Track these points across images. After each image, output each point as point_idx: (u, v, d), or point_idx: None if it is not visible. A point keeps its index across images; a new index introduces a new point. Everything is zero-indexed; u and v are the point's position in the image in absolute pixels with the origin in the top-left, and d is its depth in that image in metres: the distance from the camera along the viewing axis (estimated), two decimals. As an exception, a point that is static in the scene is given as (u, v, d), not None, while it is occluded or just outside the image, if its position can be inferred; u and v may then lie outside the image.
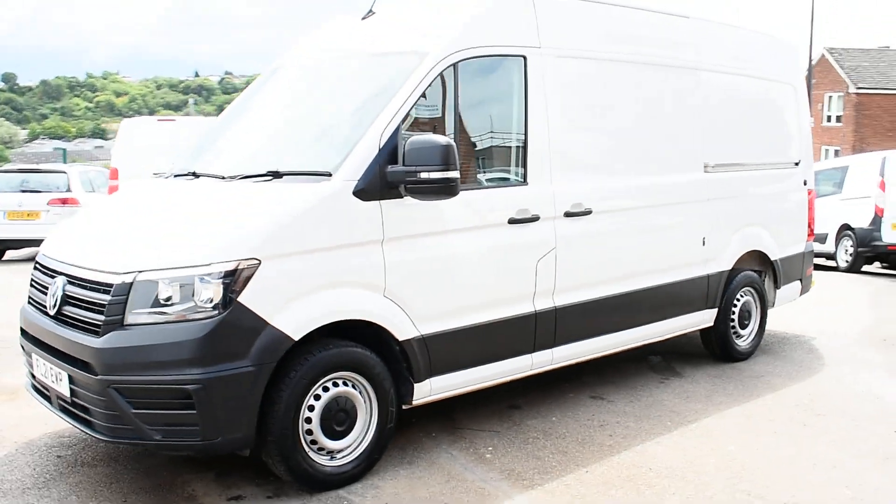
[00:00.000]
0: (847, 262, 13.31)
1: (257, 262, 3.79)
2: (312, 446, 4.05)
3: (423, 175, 4.10)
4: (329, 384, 4.08)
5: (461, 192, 4.25)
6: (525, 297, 4.88)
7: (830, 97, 39.25)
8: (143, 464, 4.51)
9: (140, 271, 3.79)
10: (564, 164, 5.06)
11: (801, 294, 7.40)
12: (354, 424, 4.19)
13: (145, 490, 4.17)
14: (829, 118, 39.46)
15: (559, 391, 5.72)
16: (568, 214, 5.05)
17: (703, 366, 6.50)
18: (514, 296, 4.83)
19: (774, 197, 6.94)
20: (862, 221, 12.88)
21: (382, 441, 4.30)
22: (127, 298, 3.77)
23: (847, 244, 13.33)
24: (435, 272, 4.43)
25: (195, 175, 4.77)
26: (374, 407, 4.25)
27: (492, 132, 4.92)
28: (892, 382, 6.19)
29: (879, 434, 4.96)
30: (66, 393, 4.02)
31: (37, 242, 13.83)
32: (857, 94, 37.76)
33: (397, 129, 4.24)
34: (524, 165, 4.88)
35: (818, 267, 10.98)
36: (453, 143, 4.13)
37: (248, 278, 3.77)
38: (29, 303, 4.63)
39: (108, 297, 3.81)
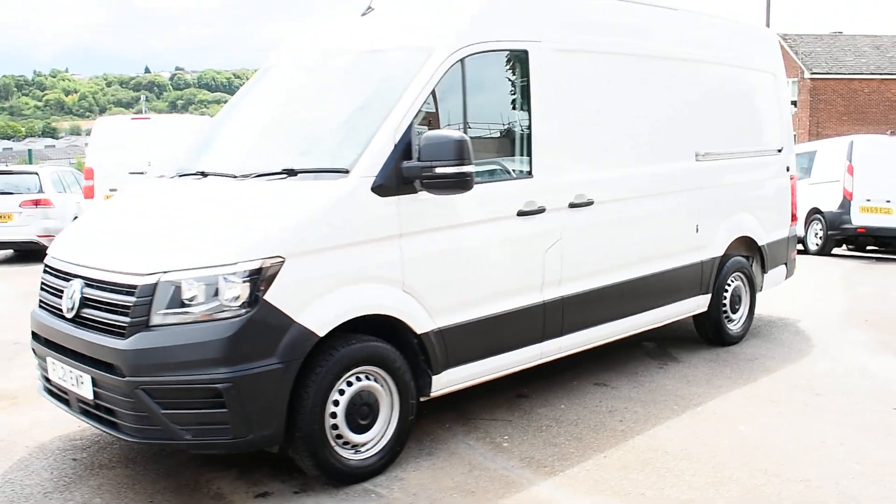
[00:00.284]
0: (817, 245, 13.65)
1: (282, 260, 3.81)
2: (338, 441, 4.09)
3: (439, 170, 4.15)
4: (352, 379, 4.12)
5: None
6: (534, 288, 4.97)
7: (786, 83, 40.02)
8: (162, 464, 4.51)
9: (164, 272, 3.79)
10: (567, 156, 5.15)
11: (786, 278, 7.60)
12: (377, 418, 4.24)
13: (169, 490, 4.18)
14: (785, 104, 40.16)
15: (563, 379, 5.81)
16: (572, 205, 5.14)
17: (697, 350, 6.65)
18: (523, 287, 4.91)
19: (760, 183, 7.12)
20: (831, 205, 13.21)
21: (404, 433, 4.35)
22: (152, 299, 3.77)
23: (817, 228, 13.67)
24: (449, 265, 4.49)
25: (203, 174, 4.75)
26: (395, 400, 4.30)
27: (497, 125, 5.00)
28: (882, 360, 6.41)
29: (879, 411, 5.15)
30: (89, 396, 4.00)
31: (9, 245, 13.62)
32: (812, 79, 38.52)
33: (411, 125, 4.28)
34: (529, 158, 4.95)
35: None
36: (467, 138, 4.18)
37: (274, 276, 3.79)
38: (40, 307, 4.58)
39: (132, 299, 3.80)
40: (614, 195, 5.48)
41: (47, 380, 4.47)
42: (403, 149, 4.23)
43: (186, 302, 3.75)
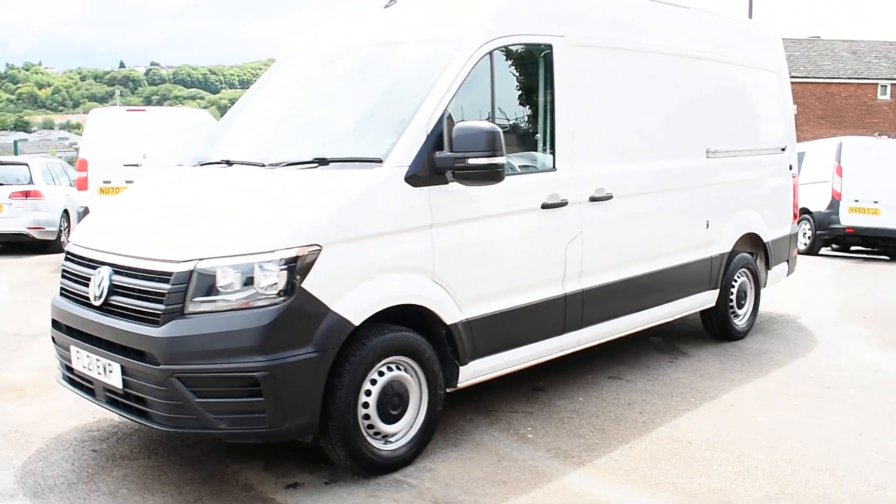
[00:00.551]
0: (805, 244, 13.81)
1: (319, 248, 3.80)
2: (369, 431, 4.08)
3: (472, 161, 4.16)
4: (384, 369, 4.11)
5: None
6: (556, 281, 4.99)
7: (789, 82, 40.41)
8: (185, 455, 4.47)
9: (200, 259, 3.76)
10: (588, 150, 5.17)
11: (787, 275, 7.70)
12: (407, 408, 4.24)
13: (197, 481, 4.14)
14: (764, 107, 40.61)
15: (577, 373, 5.84)
16: (592, 199, 5.17)
17: (703, 345, 6.72)
18: (546, 279, 4.93)
19: (765, 181, 7.20)
20: (820, 205, 13.38)
21: (432, 424, 4.35)
22: (187, 287, 3.74)
23: (805, 228, 13.84)
24: (477, 257, 4.50)
25: (228, 163, 4.72)
26: (423, 390, 4.29)
27: (521, 118, 5.01)
28: (885, 355, 6.52)
29: (891, 402, 5.24)
30: (118, 384, 3.95)
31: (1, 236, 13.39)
32: (791, 83, 39.06)
33: (442, 116, 4.29)
34: (553, 151, 4.98)
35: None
36: (499, 130, 4.19)
37: (311, 264, 3.77)
38: (62, 295, 4.53)
39: (167, 286, 3.76)
40: (632, 190, 5.51)
41: (69, 368, 4.41)
42: (435, 140, 4.23)
43: (222, 289, 3.73)
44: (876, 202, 13.08)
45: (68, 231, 14.12)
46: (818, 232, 13.47)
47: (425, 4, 5.16)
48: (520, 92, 5.01)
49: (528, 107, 5.01)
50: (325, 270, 3.81)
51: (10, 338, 7.19)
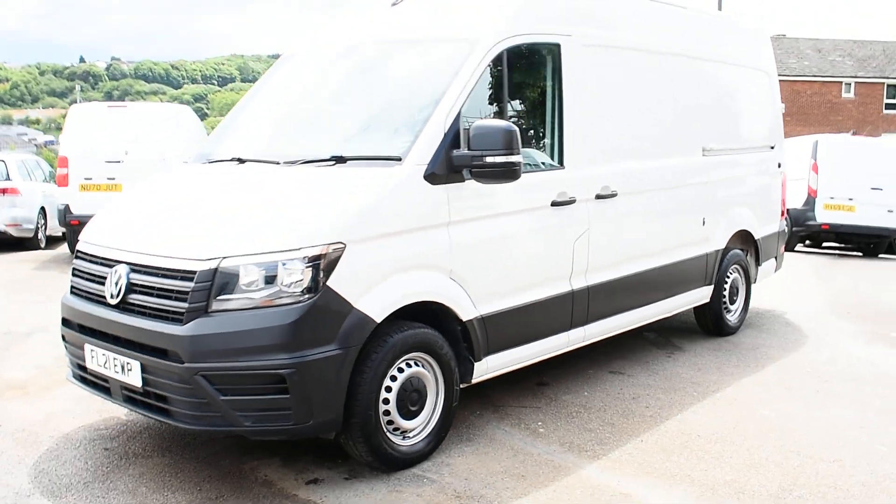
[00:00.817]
0: (781, 241, 14.05)
1: (343, 245, 3.82)
2: (389, 426, 4.11)
3: (489, 159, 4.20)
4: (403, 365, 4.14)
5: None
6: (564, 277, 5.06)
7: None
8: (198, 453, 4.46)
9: (224, 257, 3.76)
10: (594, 149, 5.24)
11: (775, 271, 7.85)
12: (425, 404, 4.27)
13: (215, 478, 4.14)
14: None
15: (579, 367, 5.92)
16: (598, 197, 5.25)
17: (697, 340, 6.84)
18: (555, 276, 5.00)
19: (756, 179, 7.34)
20: (796, 202, 13.63)
21: (448, 420, 4.39)
22: (211, 285, 3.74)
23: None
24: (491, 254, 4.55)
25: (240, 161, 4.70)
26: (440, 386, 4.33)
27: (531, 117, 5.07)
28: (876, 349, 6.70)
29: (888, 396, 5.39)
30: (137, 383, 3.93)
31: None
32: (758, 82, 39.68)
33: (459, 114, 4.32)
34: (561, 149, 5.04)
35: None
36: (516, 128, 4.24)
37: (335, 262, 3.79)
38: (73, 293, 4.49)
39: (190, 285, 3.76)
40: (635, 187, 5.60)
41: (82, 367, 4.37)
42: (452, 138, 4.27)
43: (246, 287, 3.73)
44: (851, 199, 13.37)
45: (45, 228, 13.91)
46: (794, 228, 13.72)
47: (433, 4, 5.17)
48: (529, 90, 5.07)
49: (536, 105, 5.06)
50: (348, 268, 3.83)
51: (1, 336, 7.08)
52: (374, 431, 3.99)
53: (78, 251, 4.57)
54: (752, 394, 5.41)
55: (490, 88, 4.63)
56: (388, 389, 4.07)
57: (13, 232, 13.06)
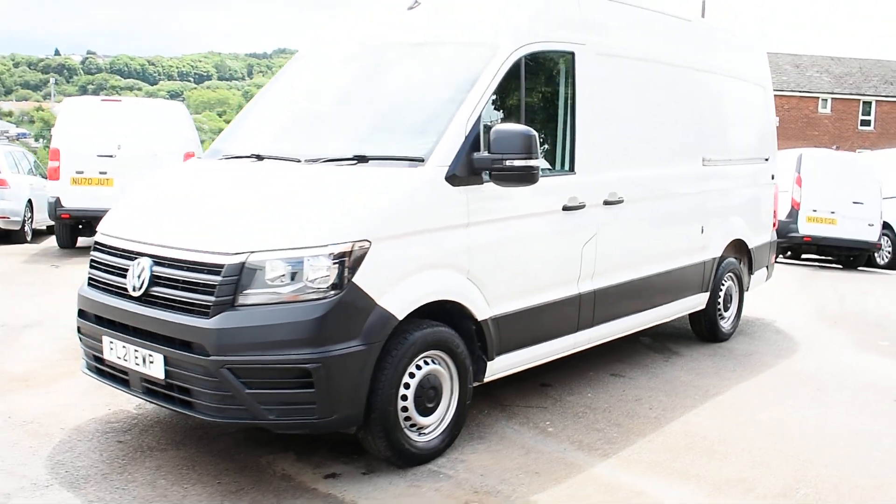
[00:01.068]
0: (764, 251, 14.30)
1: (368, 243, 3.89)
2: (406, 422, 4.19)
3: (509, 162, 4.29)
4: (420, 363, 4.22)
5: None
6: (572, 280, 5.16)
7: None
8: (212, 447, 4.50)
9: (252, 252, 3.81)
10: (603, 155, 5.36)
11: (766, 280, 8.03)
12: (440, 401, 4.35)
13: (233, 471, 4.18)
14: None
15: (580, 370, 6.02)
16: (606, 203, 5.36)
17: (693, 345, 6.98)
18: (564, 279, 5.10)
19: (751, 190, 7.51)
20: (779, 214, 13.86)
21: (461, 417, 4.47)
22: (239, 279, 3.79)
23: (764, 235, 14.32)
24: (506, 255, 4.64)
25: (259, 157, 4.75)
26: (455, 384, 4.41)
27: (546, 122, 5.16)
28: (864, 357, 6.89)
29: (881, 402, 5.57)
30: (160, 375, 3.97)
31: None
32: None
33: (479, 118, 4.42)
34: (572, 155, 5.15)
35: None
36: (535, 133, 4.34)
37: (361, 259, 3.86)
38: (91, 285, 4.51)
39: (217, 278, 3.81)
40: (640, 194, 5.72)
41: (98, 359, 4.40)
42: (473, 140, 4.36)
43: (272, 282, 3.79)
44: (833, 212, 13.64)
45: (31, 221, 13.78)
46: (777, 240, 13.96)
47: (449, 8, 5.24)
48: (543, 96, 5.17)
49: (551, 111, 5.17)
50: (372, 265, 3.91)
51: (4, 328, 7.05)
52: (393, 427, 4.06)
53: (96, 243, 4.59)
54: (750, 398, 5.55)
55: (507, 93, 4.72)
56: (407, 386, 4.14)
57: (2, 224, 12.95)
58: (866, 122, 41.08)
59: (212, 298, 3.81)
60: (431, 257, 4.20)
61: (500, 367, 4.70)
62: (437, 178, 4.22)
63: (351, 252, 3.84)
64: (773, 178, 7.91)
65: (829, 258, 15.19)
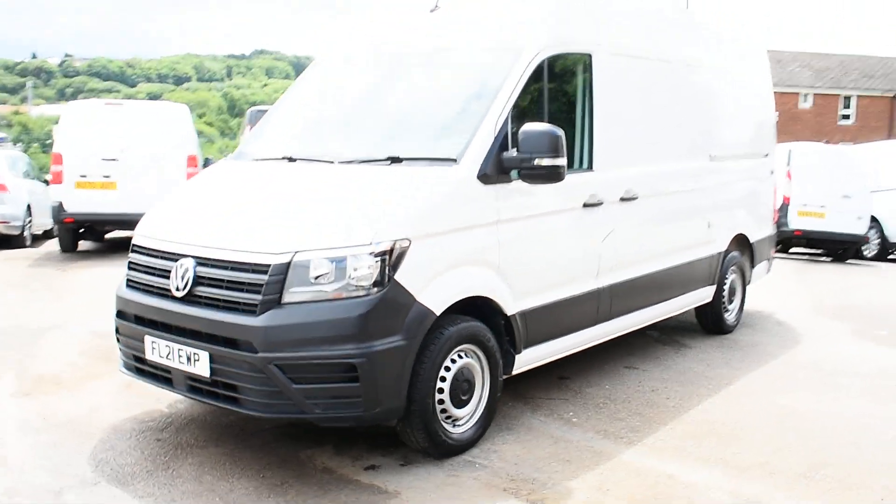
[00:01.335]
0: (755, 245, 14.55)
1: (409, 241, 4.04)
2: (442, 415, 4.34)
3: (537, 161, 4.46)
4: (455, 356, 4.37)
5: None
6: (591, 275, 5.34)
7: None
8: (251, 443, 4.62)
9: (297, 251, 3.95)
10: (618, 153, 5.54)
11: (767, 273, 8.24)
12: (473, 394, 4.50)
13: (275, 465, 4.31)
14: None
15: (595, 363, 6.19)
16: (622, 199, 5.54)
17: (700, 338, 7.17)
18: (584, 273, 5.28)
19: (752, 185, 7.71)
20: (773, 209, 14.15)
21: (492, 409, 4.63)
22: (285, 278, 3.92)
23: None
24: (533, 251, 4.81)
25: (291, 159, 4.88)
26: (486, 377, 4.57)
27: (566, 122, 5.32)
28: (867, 347, 7.13)
29: (887, 388, 5.77)
30: (205, 373, 4.09)
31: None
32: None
33: (508, 118, 4.58)
34: (591, 153, 5.32)
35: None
36: (562, 132, 4.50)
37: (402, 257, 4.01)
38: (129, 286, 4.62)
39: (264, 277, 3.94)
40: (652, 191, 5.90)
41: (139, 359, 4.51)
42: (502, 140, 4.52)
43: (317, 280, 3.93)
44: (822, 206, 13.91)
45: (30, 226, 13.78)
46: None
47: (472, 12, 5.38)
48: (563, 96, 5.33)
49: (569, 110, 5.33)
50: (412, 263, 4.06)
51: (18, 332, 7.12)
52: (431, 419, 4.21)
53: (135, 245, 4.70)
54: (762, 386, 5.75)
55: (531, 94, 4.88)
56: (443, 379, 4.29)
57: (3, 229, 12.94)
58: (846, 117, 41.63)
59: (259, 297, 3.94)
60: (465, 254, 4.36)
61: (527, 359, 4.87)
62: (470, 177, 4.38)
63: (392, 250, 3.98)
64: (772, 172, 8.11)
65: (818, 251, 15.46)
